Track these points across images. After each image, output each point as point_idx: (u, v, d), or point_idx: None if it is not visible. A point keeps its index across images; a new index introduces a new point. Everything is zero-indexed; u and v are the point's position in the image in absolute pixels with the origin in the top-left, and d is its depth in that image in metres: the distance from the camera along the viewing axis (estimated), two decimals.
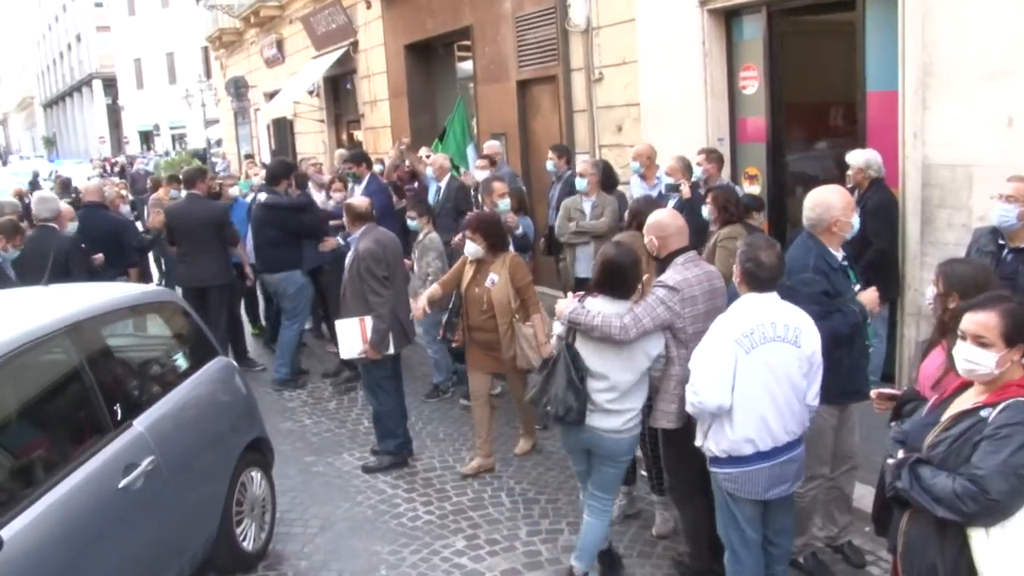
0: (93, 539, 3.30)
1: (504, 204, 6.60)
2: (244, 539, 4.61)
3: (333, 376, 8.09)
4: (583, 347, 3.98)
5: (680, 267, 4.06)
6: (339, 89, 18.48)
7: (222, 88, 28.22)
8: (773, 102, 7.45)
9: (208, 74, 40.62)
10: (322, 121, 18.81)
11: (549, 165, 8.71)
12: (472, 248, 5.56)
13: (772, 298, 3.64)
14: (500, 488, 5.58)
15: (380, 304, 5.79)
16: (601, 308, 3.96)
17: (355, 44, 15.95)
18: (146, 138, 53.49)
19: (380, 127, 15.52)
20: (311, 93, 18.43)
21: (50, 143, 66.36)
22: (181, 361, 4.55)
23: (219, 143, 35.01)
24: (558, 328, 4.13)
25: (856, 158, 5.93)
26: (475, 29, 11.69)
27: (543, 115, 10.70)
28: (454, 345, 6.00)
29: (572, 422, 4.00)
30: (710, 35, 7.77)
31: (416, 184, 9.96)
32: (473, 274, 5.64)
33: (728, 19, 7.79)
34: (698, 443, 3.75)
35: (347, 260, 6.06)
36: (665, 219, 4.21)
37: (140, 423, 3.79)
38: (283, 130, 22.46)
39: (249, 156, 20.41)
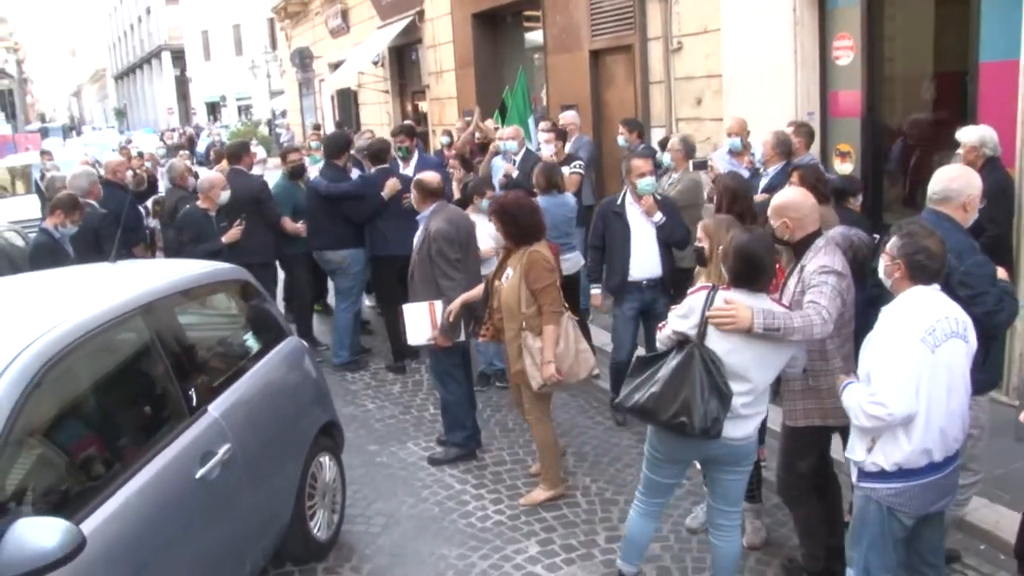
0: (173, 532, 3.13)
1: (645, 184, 5.69)
2: (316, 527, 4.45)
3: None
4: (720, 345, 3.49)
5: (826, 250, 3.68)
6: (404, 59, 18.26)
7: (287, 59, 28.30)
8: (871, 74, 6.99)
9: (273, 45, 40.92)
10: (386, 92, 18.65)
11: (620, 140, 8.39)
12: (495, 234, 5.10)
13: (937, 290, 3.26)
14: (575, 486, 5.24)
15: (451, 288, 5.46)
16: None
17: (421, 13, 15.69)
18: (213, 109, 54.13)
19: (446, 98, 15.28)
20: (376, 64, 18.25)
21: (121, 114, 67.64)
22: (253, 342, 4.37)
23: (284, 114, 35.20)
24: (682, 324, 3.57)
25: (969, 135, 5.44)
26: None
27: (617, 86, 10.33)
28: (480, 340, 5.35)
29: (715, 435, 3.51)
30: (802, 2, 7.32)
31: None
32: (499, 264, 5.06)
33: None
34: (857, 457, 3.32)
35: (416, 240, 5.74)
36: (798, 199, 3.82)
37: (215, 409, 3.62)
38: (347, 101, 22.38)
39: (317, 127, 20.32)
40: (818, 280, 3.56)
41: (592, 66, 10.51)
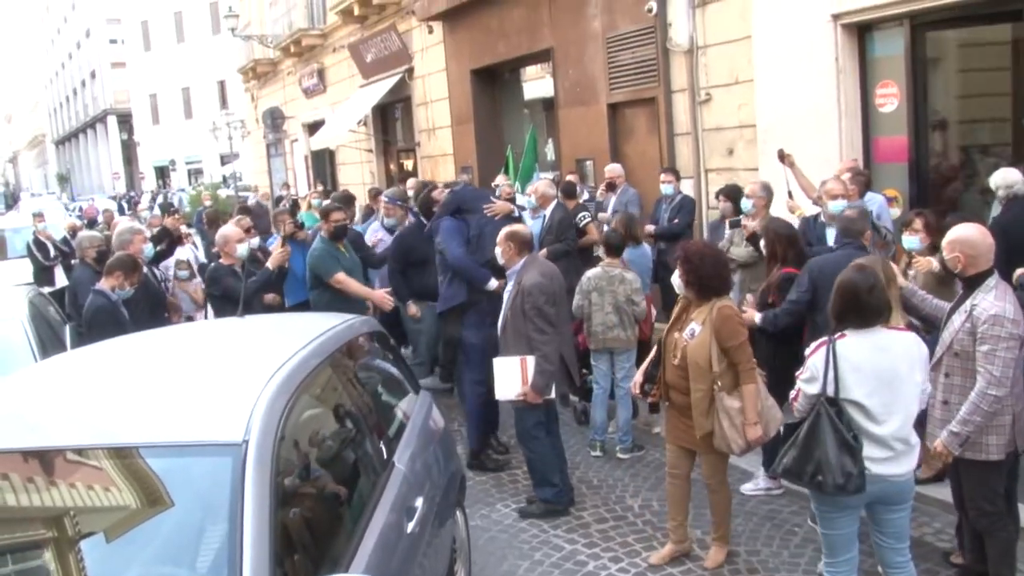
0: None
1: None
2: None
3: None
4: (860, 390, 3.56)
5: (998, 292, 3.80)
6: (388, 117, 18.30)
7: (251, 120, 28.15)
8: (917, 120, 7.21)
9: (223, 106, 40.73)
10: (370, 151, 18.62)
11: (667, 188, 8.46)
12: (677, 282, 4.69)
13: None
14: (689, 539, 5.02)
15: (545, 343, 5.32)
16: (856, 352, 3.58)
17: (410, 71, 15.79)
18: (162, 173, 53.39)
19: (439, 155, 15.33)
20: (359, 122, 18.24)
21: (64, 180, 66.27)
22: (399, 393, 4.24)
23: (238, 177, 34.87)
24: (812, 388, 3.63)
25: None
26: (556, 51, 11.50)
27: (638, 139, 10.47)
28: (649, 401, 5.11)
29: (855, 490, 3.53)
30: (844, 50, 7.54)
31: None
32: (677, 314, 4.73)
33: (861, 34, 7.57)
34: None
35: (507, 294, 5.62)
36: (975, 235, 3.91)
37: (399, 461, 3.48)
38: (322, 161, 22.28)
39: (286, 186, 19.98)
40: (991, 336, 3.73)
41: (611, 119, 10.64)
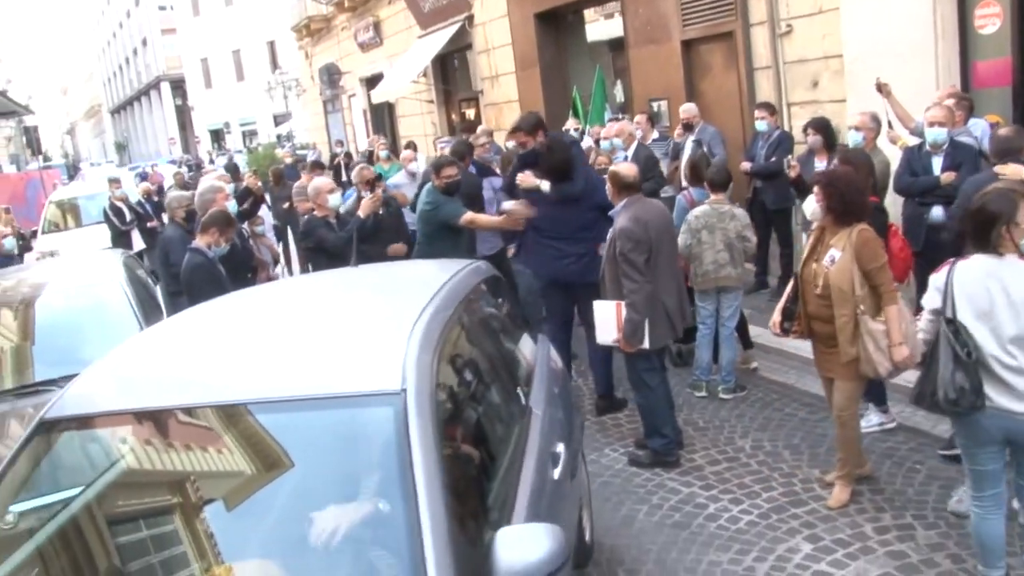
0: None
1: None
2: (586, 530, 4.26)
3: None
4: (971, 314, 3.48)
5: None
6: (448, 66, 18.12)
7: (306, 78, 28.17)
8: (1023, 39, 6.86)
9: (274, 67, 40.87)
10: (431, 101, 18.48)
11: (762, 125, 8.23)
12: (813, 207, 4.69)
13: None
14: (807, 480, 5.02)
15: (633, 292, 5.15)
16: (976, 276, 3.48)
17: (470, 18, 15.57)
18: (216, 136, 53.91)
19: (504, 102, 15.14)
20: (419, 74, 18.08)
21: (122, 148, 67.39)
22: (522, 337, 4.19)
23: (289, 136, 35.11)
24: (934, 301, 3.61)
25: None
26: None
27: (714, 76, 10.18)
28: (791, 337, 4.87)
29: (968, 407, 3.45)
30: None
31: None
32: (812, 245, 4.62)
33: None
34: None
35: (608, 237, 5.48)
36: None
37: (535, 407, 3.45)
38: (381, 114, 22.22)
39: (340, 143, 19.91)
40: None
41: (685, 57, 10.36)
